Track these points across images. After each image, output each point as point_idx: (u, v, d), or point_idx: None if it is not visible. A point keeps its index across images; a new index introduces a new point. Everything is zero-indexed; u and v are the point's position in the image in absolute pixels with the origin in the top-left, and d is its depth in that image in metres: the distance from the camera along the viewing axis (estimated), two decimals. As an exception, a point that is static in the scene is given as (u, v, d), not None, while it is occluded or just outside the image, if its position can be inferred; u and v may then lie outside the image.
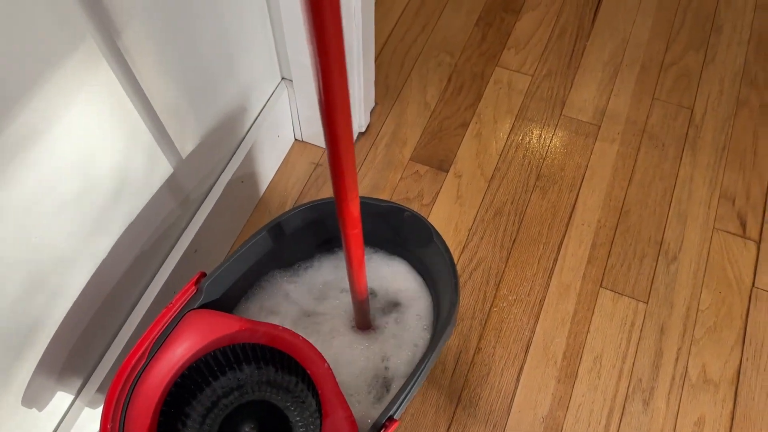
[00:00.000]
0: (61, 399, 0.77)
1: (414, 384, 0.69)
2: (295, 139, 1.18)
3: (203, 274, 0.74)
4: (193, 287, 0.73)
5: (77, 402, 0.79)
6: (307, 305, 0.85)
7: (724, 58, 1.31)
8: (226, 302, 0.78)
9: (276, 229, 0.80)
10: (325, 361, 0.72)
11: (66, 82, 0.59)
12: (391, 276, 0.89)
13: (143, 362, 0.69)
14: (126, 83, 0.68)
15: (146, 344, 0.69)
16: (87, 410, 0.80)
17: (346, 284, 0.86)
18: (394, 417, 0.67)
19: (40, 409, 0.74)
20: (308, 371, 0.72)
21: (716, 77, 1.28)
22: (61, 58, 0.57)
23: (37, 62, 0.55)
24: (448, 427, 0.93)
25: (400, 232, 0.84)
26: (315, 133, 1.15)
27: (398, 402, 0.68)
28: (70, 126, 0.61)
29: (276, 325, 0.74)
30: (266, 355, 0.75)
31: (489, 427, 0.93)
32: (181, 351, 0.71)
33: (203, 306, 0.73)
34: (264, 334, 0.74)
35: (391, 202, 0.82)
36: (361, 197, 0.84)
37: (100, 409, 0.82)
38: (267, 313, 0.84)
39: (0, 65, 0.51)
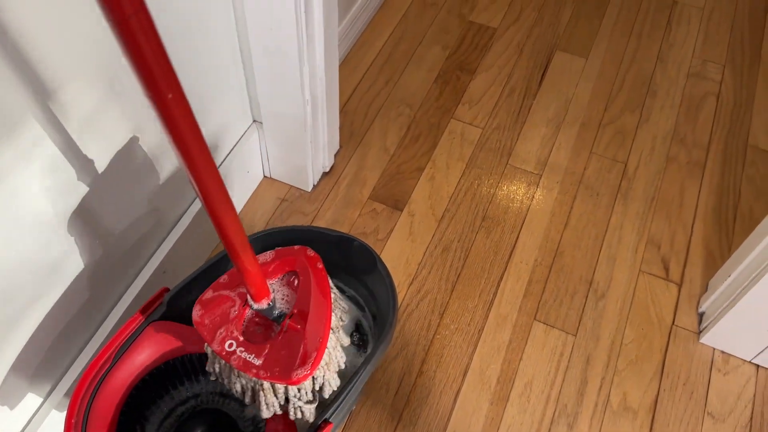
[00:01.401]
0: (32, 400, 0.84)
1: (349, 392, 0.77)
2: (264, 176, 1.28)
3: (166, 289, 0.82)
4: (157, 300, 0.81)
5: (46, 404, 0.86)
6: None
7: (658, 118, 1.44)
8: (185, 316, 0.86)
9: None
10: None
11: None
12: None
13: (108, 366, 0.77)
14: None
15: (111, 350, 0.77)
16: (54, 412, 0.86)
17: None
18: (329, 420, 0.75)
19: (11, 408, 0.80)
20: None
21: (649, 135, 1.41)
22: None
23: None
24: (389, 443, 1.01)
25: (349, 259, 0.94)
26: (283, 171, 1.25)
27: (334, 406, 0.76)
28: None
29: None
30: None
31: (426, 443, 1.01)
32: (142, 358, 0.79)
33: (165, 318, 0.81)
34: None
35: (342, 233, 0.92)
36: (317, 227, 0.94)
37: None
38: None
39: None
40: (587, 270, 1.21)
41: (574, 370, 1.09)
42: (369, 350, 0.91)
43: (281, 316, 0.71)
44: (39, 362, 0.82)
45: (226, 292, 0.71)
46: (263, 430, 0.80)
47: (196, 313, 0.70)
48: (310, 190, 1.27)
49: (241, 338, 0.68)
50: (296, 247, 0.75)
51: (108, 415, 0.76)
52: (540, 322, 1.14)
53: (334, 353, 0.73)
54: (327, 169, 1.29)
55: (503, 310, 1.15)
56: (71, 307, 0.84)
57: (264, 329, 0.69)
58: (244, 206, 1.24)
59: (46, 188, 0.71)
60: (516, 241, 1.23)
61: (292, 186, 1.27)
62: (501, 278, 1.18)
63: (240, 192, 1.21)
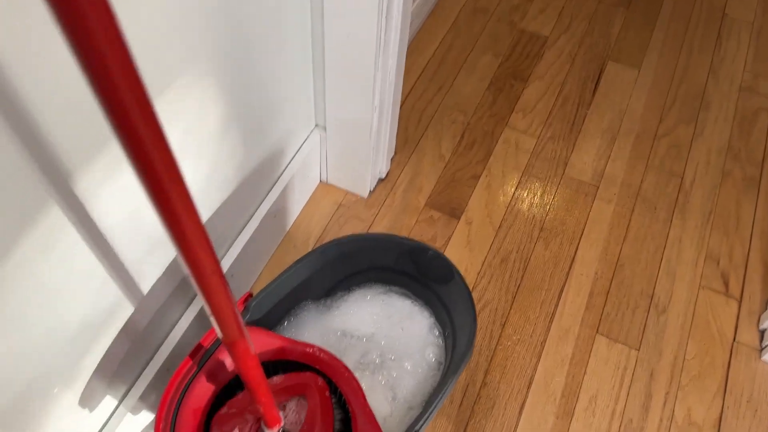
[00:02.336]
0: (108, 403, 0.84)
1: (436, 404, 0.77)
2: (321, 181, 1.28)
3: (250, 295, 0.83)
4: (241, 306, 0.81)
5: (120, 407, 0.86)
6: (333, 334, 0.93)
7: (712, 132, 1.45)
8: (266, 323, 0.86)
9: (313, 260, 0.89)
10: (356, 379, 0.80)
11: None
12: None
13: (194, 371, 0.77)
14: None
15: (197, 355, 0.77)
16: (129, 416, 0.87)
17: (365, 326, 0.95)
18: (419, 432, 0.75)
19: (91, 410, 0.81)
20: (340, 389, 0.80)
21: (704, 149, 1.41)
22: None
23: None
24: (454, 455, 1.00)
25: (422, 269, 0.94)
26: (340, 177, 1.25)
27: (422, 420, 0.76)
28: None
29: (312, 344, 0.83)
30: (303, 369, 0.83)
31: (492, 456, 1.01)
32: (227, 362, 0.79)
33: (248, 324, 0.81)
34: (301, 353, 0.82)
35: (417, 241, 0.92)
36: (390, 234, 0.94)
37: (140, 415, 0.89)
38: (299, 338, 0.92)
39: None
40: (648, 284, 1.20)
41: (638, 385, 1.09)
42: (446, 363, 0.91)
43: None
44: (116, 368, 0.82)
45: (242, 410, 0.76)
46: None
47: (214, 426, 0.75)
48: (366, 196, 1.27)
49: None
50: (307, 373, 0.80)
51: (194, 421, 0.76)
52: (602, 335, 1.14)
53: None
54: (383, 175, 1.29)
55: (565, 323, 1.14)
56: (145, 315, 0.84)
57: None
58: (301, 212, 1.24)
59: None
60: (575, 253, 1.23)
61: (348, 192, 1.27)
62: (562, 290, 1.18)
63: (299, 198, 1.21)
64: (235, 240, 1.03)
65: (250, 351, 0.60)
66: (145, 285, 0.81)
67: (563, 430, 1.04)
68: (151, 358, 0.90)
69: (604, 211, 1.30)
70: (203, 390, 0.77)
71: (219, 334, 0.56)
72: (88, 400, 0.79)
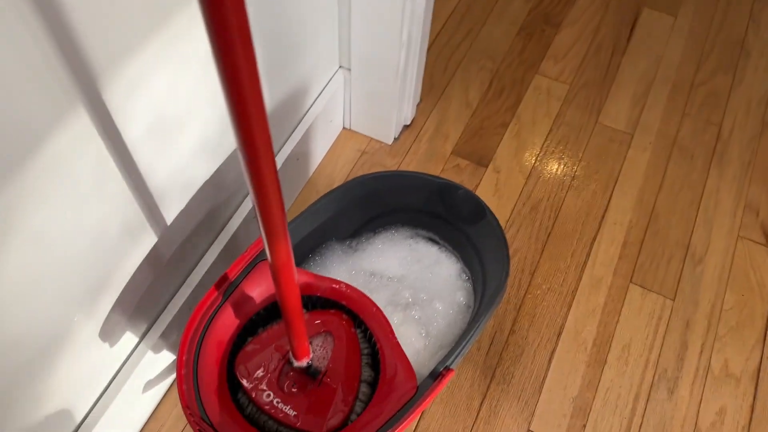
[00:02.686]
0: (129, 339, 0.82)
1: (470, 338, 0.75)
2: (344, 127, 1.25)
3: (276, 227, 0.80)
4: (267, 238, 0.79)
5: (141, 345, 0.85)
6: (361, 275, 0.91)
7: (752, 81, 1.39)
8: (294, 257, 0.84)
9: (339, 196, 0.86)
10: (384, 315, 0.78)
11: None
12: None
13: (218, 303, 0.75)
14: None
15: (222, 287, 0.75)
16: (150, 354, 0.85)
17: (393, 268, 0.93)
18: (451, 367, 0.73)
19: (111, 345, 0.79)
20: (367, 325, 0.78)
21: (744, 98, 1.36)
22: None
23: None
24: (482, 401, 0.98)
25: (452, 208, 0.91)
26: (364, 122, 1.22)
27: (455, 353, 0.73)
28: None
29: (338, 280, 0.80)
30: (328, 307, 0.81)
31: (521, 403, 0.98)
32: (251, 296, 0.77)
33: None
34: (327, 288, 0.80)
35: (446, 180, 0.89)
36: (418, 172, 0.91)
37: (161, 354, 0.88)
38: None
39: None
40: (684, 234, 1.16)
41: (673, 335, 1.06)
42: (475, 305, 0.88)
43: (316, 372, 0.74)
44: (137, 303, 0.80)
45: (266, 347, 0.76)
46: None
47: (239, 364, 0.74)
48: (390, 143, 1.24)
49: (278, 390, 0.72)
50: (332, 311, 0.79)
51: (218, 353, 0.74)
52: (636, 285, 1.10)
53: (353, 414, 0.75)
54: (408, 122, 1.26)
55: (597, 272, 1.11)
56: (169, 247, 0.82)
57: (298, 383, 0.74)
58: (324, 157, 1.21)
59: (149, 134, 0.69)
60: (609, 202, 1.19)
61: (372, 138, 1.24)
62: (594, 239, 1.15)
63: (322, 143, 1.18)
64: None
65: (293, 268, 0.58)
66: (170, 214, 0.79)
67: (595, 378, 1.01)
68: (174, 295, 0.88)
69: (639, 159, 1.25)
70: (228, 323, 0.75)
71: (266, 248, 0.53)
72: (108, 333, 0.77)
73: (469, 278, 0.93)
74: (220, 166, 0.86)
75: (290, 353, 0.71)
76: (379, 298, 0.88)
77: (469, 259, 0.93)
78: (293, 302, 0.62)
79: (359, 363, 0.75)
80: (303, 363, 0.72)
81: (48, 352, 0.68)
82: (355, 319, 0.79)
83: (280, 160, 1.03)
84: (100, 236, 0.67)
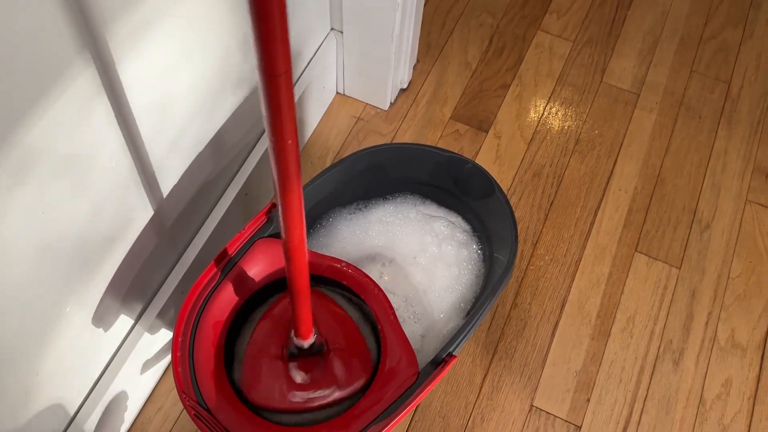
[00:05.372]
0: (124, 322, 0.83)
1: (474, 323, 0.76)
2: (337, 92, 1.23)
3: (274, 205, 0.80)
4: (264, 216, 0.79)
5: (137, 327, 0.86)
6: (363, 248, 0.91)
7: (762, 34, 1.38)
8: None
9: (343, 169, 0.86)
10: (385, 296, 0.79)
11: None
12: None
13: (215, 282, 0.76)
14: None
15: (219, 266, 0.76)
16: (146, 335, 0.86)
17: (391, 247, 0.93)
18: (453, 353, 0.74)
19: (105, 329, 0.80)
20: (369, 306, 0.79)
21: (754, 53, 1.35)
22: None
23: None
24: (484, 377, 1.00)
25: (459, 183, 0.91)
26: (358, 87, 1.21)
27: (458, 339, 0.75)
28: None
29: (340, 259, 0.81)
30: (329, 287, 0.82)
31: (524, 378, 1.01)
32: (250, 275, 0.78)
33: (272, 236, 0.79)
34: (328, 267, 0.80)
35: (454, 153, 0.89)
36: (427, 145, 0.90)
37: (158, 335, 0.89)
38: (325, 251, 0.90)
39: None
40: (690, 199, 1.17)
41: (678, 305, 1.08)
42: (482, 282, 0.89)
43: (318, 349, 0.75)
44: (130, 284, 0.81)
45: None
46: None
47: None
48: (386, 108, 1.23)
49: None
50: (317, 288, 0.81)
51: (215, 333, 0.75)
52: (641, 253, 1.11)
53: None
54: (404, 86, 1.25)
55: (602, 241, 1.12)
56: (157, 233, 0.82)
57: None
58: (318, 125, 1.20)
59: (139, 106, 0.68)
60: (613, 167, 1.19)
61: (367, 104, 1.23)
62: (598, 207, 1.15)
63: (315, 110, 1.17)
64: (249, 154, 1.00)
65: (304, 239, 0.58)
66: (166, 186, 0.79)
67: (599, 350, 1.03)
68: (169, 273, 0.89)
69: (645, 121, 1.25)
70: (224, 303, 0.76)
71: (282, 227, 0.55)
72: (102, 318, 0.78)
73: (477, 249, 0.93)
74: (218, 129, 0.86)
75: (293, 334, 0.72)
76: (377, 273, 0.89)
77: (477, 232, 0.94)
78: (303, 282, 0.63)
79: (363, 344, 0.77)
80: (310, 340, 0.72)
81: (39, 338, 0.69)
82: (359, 301, 0.80)
83: (253, 161, 1.02)
84: (98, 210, 0.67)
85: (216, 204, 0.95)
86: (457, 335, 0.74)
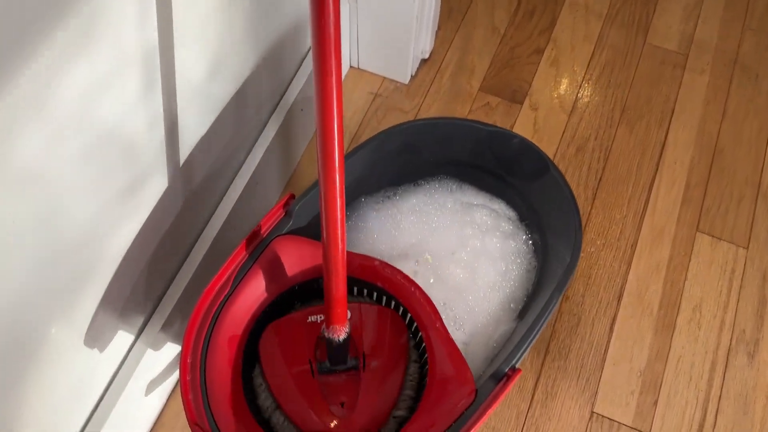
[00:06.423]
0: (123, 338, 0.72)
1: (538, 328, 0.65)
2: (351, 66, 1.12)
3: (292, 196, 0.69)
4: (281, 210, 0.68)
5: (138, 343, 0.75)
6: (394, 244, 0.80)
7: (821, -17, 1.25)
8: (313, 234, 0.73)
9: (371, 150, 0.75)
10: (431, 302, 0.68)
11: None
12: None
13: (227, 290, 0.65)
14: None
15: (230, 270, 0.65)
16: (149, 352, 0.75)
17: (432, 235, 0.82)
18: (516, 366, 0.63)
19: (101, 350, 0.69)
20: (409, 310, 0.68)
21: (812, 4, 1.23)
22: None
23: None
24: (536, 381, 0.89)
25: (504, 161, 0.79)
26: (375, 59, 1.09)
27: (521, 349, 0.64)
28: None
29: (372, 257, 0.70)
30: (361, 290, 0.71)
31: (581, 381, 0.90)
32: (268, 279, 0.67)
33: (291, 233, 0.68)
34: (359, 266, 0.69)
35: (497, 127, 0.77)
36: (466, 119, 0.79)
37: (162, 351, 0.78)
38: (354, 248, 0.79)
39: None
40: (753, 169, 1.06)
41: (749, 289, 0.96)
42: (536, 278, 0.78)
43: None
44: (129, 293, 0.70)
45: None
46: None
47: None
48: (407, 82, 1.11)
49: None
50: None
51: (231, 350, 0.64)
52: (704, 233, 1.00)
53: None
54: (426, 56, 1.13)
55: (659, 221, 1.01)
56: (157, 232, 0.71)
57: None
58: (330, 103, 1.08)
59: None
60: (666, 137, 1.08)
61: (385, 78, 1.11)
62: (652, 182, 1.04)
63: (328, 85, 1.05)
64: (257, 138, 0.88)
65: (340, 181, 0.53)
66: (173, 162, 0.68)
67: (664, 345, 0.92)
68: (174, 277, 0.78)
69: (697, 84, 1.13)
70: (240, 314, 0.65)
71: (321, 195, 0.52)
72: (96, 336, 0.67)
73: (527, 240, 0.82)
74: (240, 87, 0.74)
75: (324, 328, 0.62)
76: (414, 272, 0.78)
77: (526, 219, 0.83)
78: (335, 241, 0.57)
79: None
80: (341, 333, 0.62)
81: (14, 372, 0.58)
82: (395, 303, 0.69)
83: (282, 112, 0.91)
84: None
85: (223, 196, 0.84)
86: (520, 344, 0.63)
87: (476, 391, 0.61)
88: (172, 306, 0.77)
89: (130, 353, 0.75)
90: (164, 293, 0.77)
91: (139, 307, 0.74)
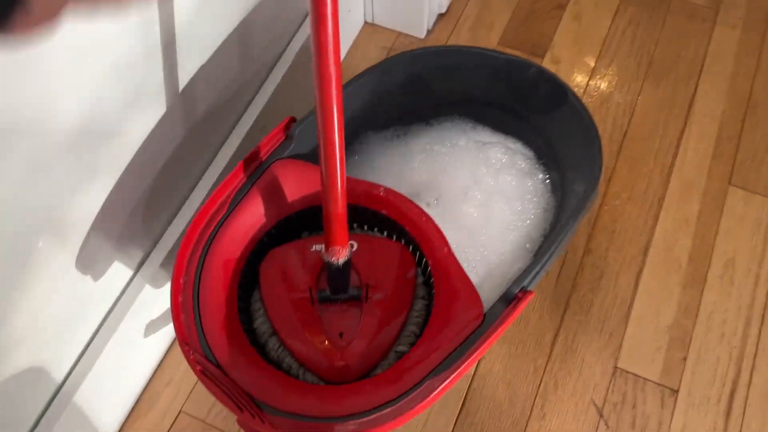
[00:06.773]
0: (120, 270, 0.70)
1: (553, 252, 0.61)
2: (365, 22, 1.09)
3: (293, 119, 0.66)
4: (282, 133, 0.65)
5: (137, 277, 0.72)
6: (404, 183, 0.77)
7: None
8: (316, 158, 0.70)
9: (377, 77, 0.72)
10: (438, 228, 0.64)
11: None
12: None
13: (222, 214, 0.62)
14: None
15: (226, 193, 0.62)
16: (148, 289, 0.73)
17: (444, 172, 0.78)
18: (529, 288, 0.59)
19: (95, 278, 0.66)
20: (413, 234, 0.64)
21: None
22: None
23: None
24: (555, 335, 0.85)
25: (520, 93, 0.75)
26: (389, 13, 1.06)
27: (533, 272, 0.60)
28: None
29: (377, 184, 0.66)
30: (367, 218, 0.67)
31: (604, 336, 0.85)
32: (267, 203, 0.64)
33: (292, 157, 0.65)
34: (363, 193, 0.66)
35: (512, 55, 0.74)
36: (476, 47, 0.76)
37: (162, 290, 0.75)
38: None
39: None
40: (790, 124, 1.00)
41: (786, 246, 0.91)
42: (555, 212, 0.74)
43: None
44: (126, 221, 0.67)
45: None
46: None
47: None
48: (423, 37, 1.08)
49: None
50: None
51: (227, 273, 0.61)
52: (737, 187, 0.95)
53: None
54: (443, 10, 1.10)
55: (688, 175, 0.96)
56: (155, 158, 0.69)
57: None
58: (344, 60, 1.06)
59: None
60: (695, 92, 1.03)
61: (400, 33, 1.08)
62: (681, 136, 0.99)
63: (341, 37, 1.02)
64: (265, 79, 0.86)
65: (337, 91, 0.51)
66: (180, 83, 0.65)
67: (694, 301, 0.87)
68: (178, 210, 0.75)
69: (728, 38, 1.08)
70: (237, 237, 0.62)
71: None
72: (89, 262, 0.65)
73: (545, 179, 0.78)
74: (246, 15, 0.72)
75: (323, 250, 0.59)
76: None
77: (543, 156, 0.79)
78: (334, 160, 0.54)
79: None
80: (342, 256, 0.59)
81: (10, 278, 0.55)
82: (402, 232, 0.66)
83: (284, 66, 0.88)
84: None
85: (228, 135, 0.81)
86: (530, 267, 0.59)
87: (484, 315, 0.57)
88: (173, 242, 0.74)
89: (128, 287, 0.72)
90: (166, 230, 0.75)
91: (138, 239, 0.71)
